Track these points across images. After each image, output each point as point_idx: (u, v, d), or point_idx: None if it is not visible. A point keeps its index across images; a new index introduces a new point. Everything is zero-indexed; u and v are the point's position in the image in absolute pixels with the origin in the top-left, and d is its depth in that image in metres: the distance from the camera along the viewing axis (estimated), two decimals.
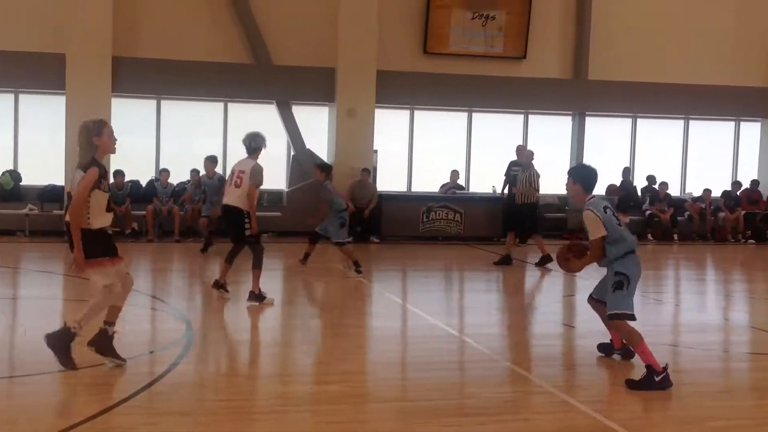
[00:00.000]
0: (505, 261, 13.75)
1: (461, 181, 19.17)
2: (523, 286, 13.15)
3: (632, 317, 6.67)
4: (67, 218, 6.31)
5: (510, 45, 19.34)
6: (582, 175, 6.99)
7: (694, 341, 8.54)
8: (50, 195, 16.94)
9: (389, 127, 19.42)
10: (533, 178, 13.87)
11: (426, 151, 19.82)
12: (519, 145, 15.97)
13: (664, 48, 19.97)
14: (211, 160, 15.69)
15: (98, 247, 6.26)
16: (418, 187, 19.62)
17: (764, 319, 10.33)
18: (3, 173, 17.02)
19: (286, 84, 18.40)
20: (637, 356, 6.73)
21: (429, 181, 19.26)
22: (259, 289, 9.70)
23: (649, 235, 18.83)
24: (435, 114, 19.98)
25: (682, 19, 20.05)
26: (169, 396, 5.95)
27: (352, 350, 7.82)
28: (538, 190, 13.99)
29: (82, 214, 6.16)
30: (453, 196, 18.09)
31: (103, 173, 6.35)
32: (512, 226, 14.26)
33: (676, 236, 18.90)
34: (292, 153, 18.78)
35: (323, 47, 18.39)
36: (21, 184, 17.16)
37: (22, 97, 17.60)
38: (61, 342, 6.36)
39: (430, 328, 8.88)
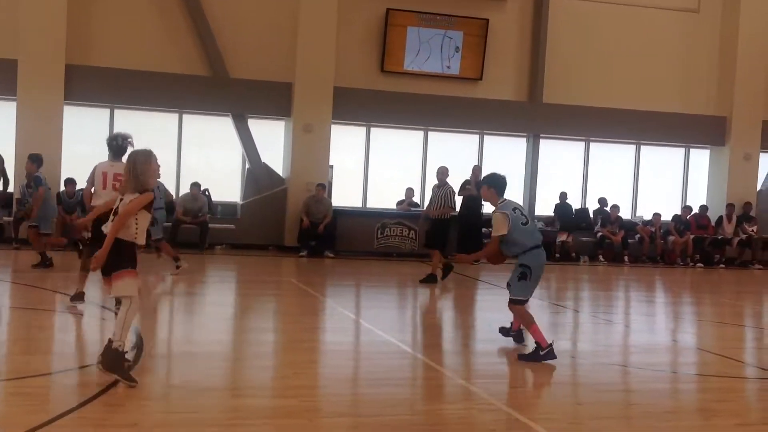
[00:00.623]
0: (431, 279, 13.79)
1: (416, 199, 19.24)
2: (474, 302, 13.21)
3: (525, 302, 8.19)
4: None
5: (466, 66, 19.52)
6: (495, 182, 8.29)
7: (643, 362, 8.64)
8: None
9: (345, 143, 19.44)
10: (449, 196, 14.00)
11: (382, 167, 19.87)
12: (475, 165, 16.11)
13: (617, 74, 20.39)
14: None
15: (135, 260, 6.74)
16: (373, 203, 19.65)
17: (711, 341, 10.51)
18: None
19: (242, 97, 18.34)
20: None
21: (384, 198, 19.30)
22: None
23: (601, 257, 19.12)
24: (391, 131, 20.05)
25: (634, 46, 20.49)
26: (117, 408, 5.83)
27: (306, 365, 7.77)
28: (453, 208, 14.20)
29: (128, 227, 6.63)
30: (407, 212, 18.15)
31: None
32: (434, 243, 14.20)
33: (626, 258, 19.19)
34: (247, 166, 18.68)
35: (281, 61, 18.37)
36: None
37: None
38: (116, 362, 6.44)
39: (384, 344, 8.86)
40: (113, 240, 6.53)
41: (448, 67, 19.54)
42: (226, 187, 18.59)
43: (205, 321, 9.97)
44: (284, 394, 6.61)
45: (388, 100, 19.05)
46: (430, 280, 13.70)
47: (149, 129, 18.55)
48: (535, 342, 7.94)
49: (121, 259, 6.58)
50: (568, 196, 19.95)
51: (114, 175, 9.60)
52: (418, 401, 6.88)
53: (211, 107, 18.43)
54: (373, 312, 11.50)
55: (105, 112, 18.03)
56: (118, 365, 6.45)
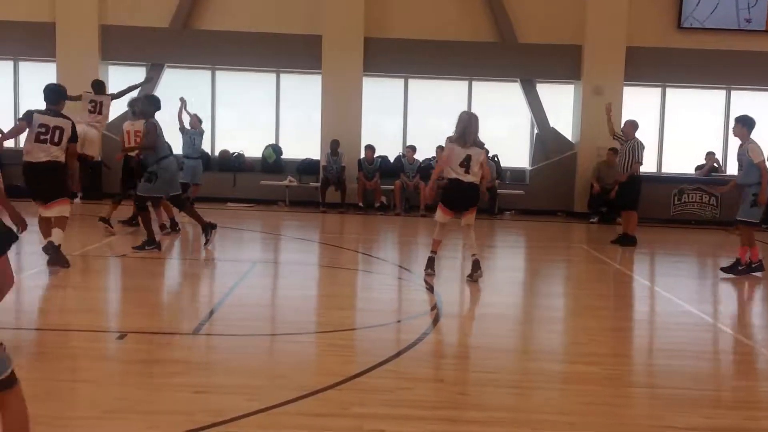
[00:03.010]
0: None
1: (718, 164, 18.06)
2: None
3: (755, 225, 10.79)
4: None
5: None
6: (748, 122, 10.66)
7: None
8: (307, 168, 18.02)
9: (638, 105, 18.67)
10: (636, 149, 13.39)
11: (678, 130, 18.87)
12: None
13: None
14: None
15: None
16: (668, 168, 18.75)
17: None
18: (266, 147, 18.32)
19: (530, 62, 18.26)
20: None
21: (681, 162, 18.34)
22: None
23: None
24: (688, 92, 18.95)
25: None
26: (422, 363, 6.15)
27: (601, 332, 7.66)
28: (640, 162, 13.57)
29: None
30: (708, 178, 17.11)
31: None
32: None
33: None
34: (536, 131, 18.63)
35: (569, 24, 18.04)
36: (281, 157, 18.37)
37: (282, 75, 18.77)
38: None
39: (684, 314, 8.50)
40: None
41: (748, 21, 18.01)
42: (515, 152, 18.69)
43: (496, 284, 10.17)
44: (580, 360, 6.57)
45: (685, 57, 18.00)
46: (624, 241, 13.19)
47: (440, 97, 19.16)
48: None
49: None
50: None
51: (135, 132, 11.86)
52: (725, 376, 6.53)
53: (500, 73, 18.54)
54: (670, 281, 11.04)
55: (399, 82, 18.81)
56: None
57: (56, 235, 9.17)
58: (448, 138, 9.55)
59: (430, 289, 9.20)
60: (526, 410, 5.31)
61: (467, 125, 9.37)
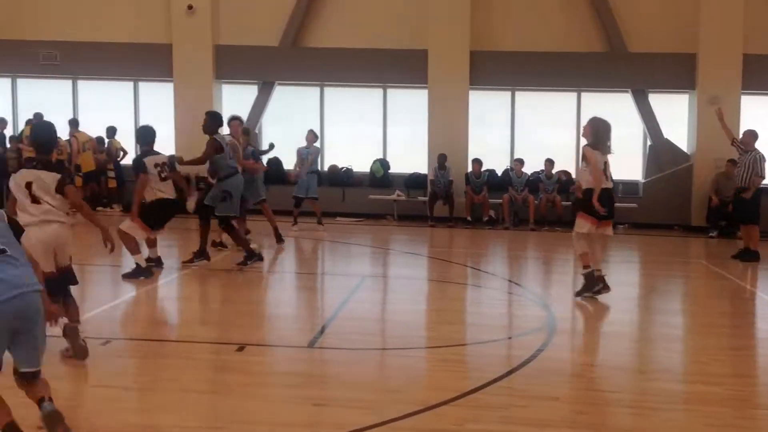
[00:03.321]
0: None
1: None
2: None
3: None
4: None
5: None
6: None
7: None
8: (415, 182, 18.09)
9: (759, 115, 17.92)
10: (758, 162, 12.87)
11: None
12: None
13: None
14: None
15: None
16: None
17: None
18: (374, 162, 18.49)
19: (642, 71, 17.81)
20: None
21: None
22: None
23: None
24: None
25: None
26: (537, 381, 6.07)
27: (724, 351, 7.38)
28: (762, 176, 13.03)
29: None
30: None
31: None
32: None
33: None
34: (649, 143, 18.16)
35: (682, 32, 17.51)
36: (389, 172, 18.51)
37: (389, 90, 18.93)
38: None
39: None
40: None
41: None
42: (626, 165, 18.24)
43: (611, 300, 9.93)
44: (700, 380, 6.35)
45: None
46: (746, 256, 12.70)
47: (547, 109, 18.93)
48: None
49: None
50: None
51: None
52: None
53: (610, 83, 18.17)
54: None
55: (506, 95, 18.68)
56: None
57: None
58: (586, 146, 9.30)
59: (544, 305, 9.08)
60: (645, 431, 5.17)
61: (606, 131, 9.25)
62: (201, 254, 10.80)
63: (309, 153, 15.50)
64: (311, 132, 15.80)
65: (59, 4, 18.76)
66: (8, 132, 18.19)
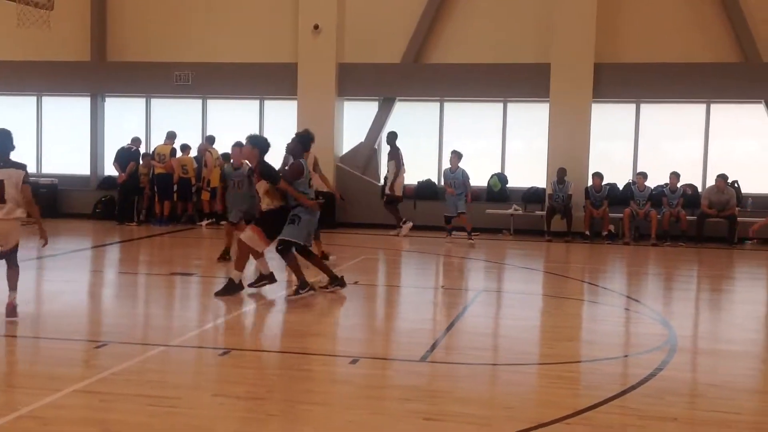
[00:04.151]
0: None
1: None
2: None
3: None
4: None
5: None
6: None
7: None
8: (533, 196, 17.92)
9: None
10: None
11: None
12: None
13: None
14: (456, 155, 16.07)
15: None
16: None
17: None
18: (492, 176, 18.42)
19: None
20: None
21: None
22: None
23: None
24: None
25: None
26: (656, 401, 5.91)
27: None
28: None
29: None
30: None
31: None
32: None
33: None
34: None
35: None
36: (507, 186, 18.40)
37: (509, 104, 18.83)
38: None
39: None
40: None
41: None
42: (758, 178, 17.48)
43: (736, 319, 9.54)
44: None
45: None
46: None
47: (676, 121, 18.37)
48: None
49: None
50: None
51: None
52: None
53: (742, 94, 17.47)
54: None
55: (631, 107, 18.25)
56: None
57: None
58: None
59: (664, 323, 8.82)
60: None
61: None
62: (304, 285, 9.64)
63: (454, 177, 15.97)
64: (454, 154, 16.15)
65: (191, 27, 19.67)
66: (142, 149, 19.14)
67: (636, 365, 7.04)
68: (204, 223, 17.93)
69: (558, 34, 17.53)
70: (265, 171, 9.59)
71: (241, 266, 9.70)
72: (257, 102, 19.89)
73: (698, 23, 17.54)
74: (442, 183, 16.73)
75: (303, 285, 9.60)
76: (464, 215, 15.86)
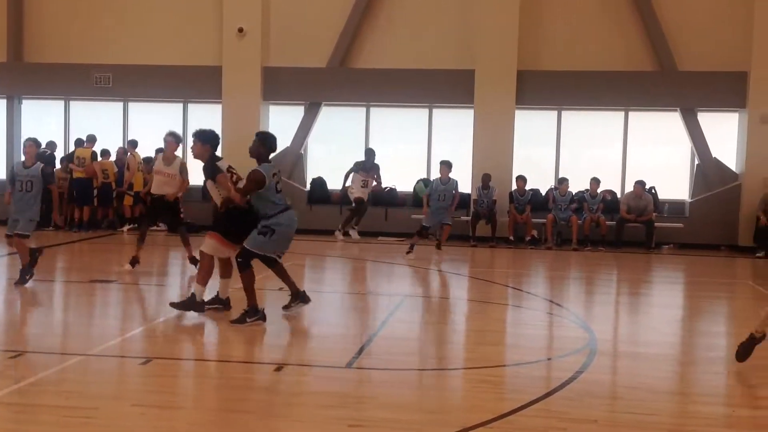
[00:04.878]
0: None
1: None
2: None
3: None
4: None
5: None
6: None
7: None
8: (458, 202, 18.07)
9: None
10: None
11: None
12: None
13: None
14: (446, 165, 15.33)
15: None
16: None
17: None
18: (417, 182, 18.50)
19: (691, 90, 17.61)
20: None
21: None
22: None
23: None
24: None
25: None
26: (576, 403, 6.02)
27: None
28: None
29: None
30: None
31: None
32: None
33: None
34: (696, 162, 17.90)
35: (734, 50, 17.30)
36: None
37: (435, 111, 18.97)
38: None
39: None
40: None
41: None
42: (673, 184, 18.03)
43: (653, 322, 9.80)
44: (747, 404, 6.24)
45: None
46: None
47: (594, 128, 18.80)
48: None
49: None
50: None
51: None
52: None
53: (659, 102, 17.99)
54: None
55: (553, 114, 18.60)
56: None
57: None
58: None
59: (585, 327, 9.00)
60: None
61: None
62: (296, 297, 9.01)
63: (445, 189, 15.13)
64: (444, 164, 15.36)
65: (112, 29, 19.21)
66: (61, 153, 18.64)
67: (558, 368, 7.17)
68: (125, 228, 17.56)
69: (482, 41, 17.75)
70: (207, 169, 8.81)
71: (202, 280, 8.74)
72: (180, 105, 19.59)
73: (617, 32, 17.98)
74: (425, 194, 15.74)
75: (252, 312, 8.42)
76: (448, 227, 15.22)
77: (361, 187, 16.57)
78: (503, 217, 17.22)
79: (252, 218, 8.53)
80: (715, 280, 13.53)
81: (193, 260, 11.58)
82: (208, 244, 8.74)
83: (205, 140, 8.84)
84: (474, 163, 17.80)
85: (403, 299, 10.56)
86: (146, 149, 18.43)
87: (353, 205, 16.69)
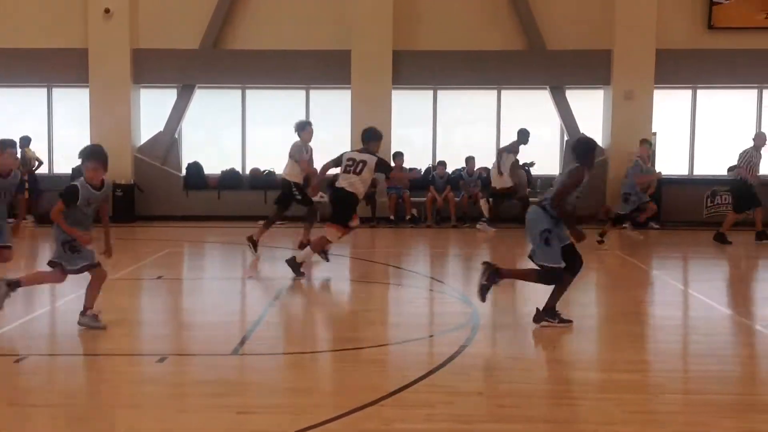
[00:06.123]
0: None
1: None
2: None
3: None
4: None
5: None
6: None
7: None
8: None
9: (668, 108, 18.54)
10: None
11: (710, 132, 18.70)
12: None
13: None
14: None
15: None
16: (700, 170, 18.58)
17: None
18: None
19: (559, 69, 18.23)
20: None
21: (713, 164, 18.16)
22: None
23: None
24: (720, 93, 18.78)
25: None
26: (462, 377, 6.14)
27: (640, 338, 7.61)
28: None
29: None
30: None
31: None
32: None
33: None
34: (566, 138, 18.55)
35: (598, 29, 18.01)
36: None
37: (312, 92, 18.87)
38: None
39: (722, 318, 8.41)
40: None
41: None
42: (546, 160, 18.63)
43: (531, 294, 10.10)
44: (620, 369, 6.52)
45: (716, 58, 17.87)
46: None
47: (470, 107, 19.17)
48: None
49: None
50: None
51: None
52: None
53: (529, 81, 18.51)
54: (706, 285, 10.92)
55: (429, 94, 18.84)
56: None
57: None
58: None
59: (466, 302, 9.19)
60: (568, 421, 5.29)
61: None
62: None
63: (472, 179, 16.81)
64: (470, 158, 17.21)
65: None
66: None
67: (442, 344, 7.28)
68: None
69: (357, 21, 17.79)
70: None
71: (318, 247, 10.70)
72: (44, 90, 18.72)
73: (490, 13, 18.38)
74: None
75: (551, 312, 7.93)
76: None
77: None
78: (383, 197, 17.35)
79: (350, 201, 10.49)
80: (583, 251, 14.01)
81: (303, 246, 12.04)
82: (330, 233, 10.49)
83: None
84: (353, 145, 17.81)
85: (286, 283, 10.49)
86: (11, 137, 17.55)
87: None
